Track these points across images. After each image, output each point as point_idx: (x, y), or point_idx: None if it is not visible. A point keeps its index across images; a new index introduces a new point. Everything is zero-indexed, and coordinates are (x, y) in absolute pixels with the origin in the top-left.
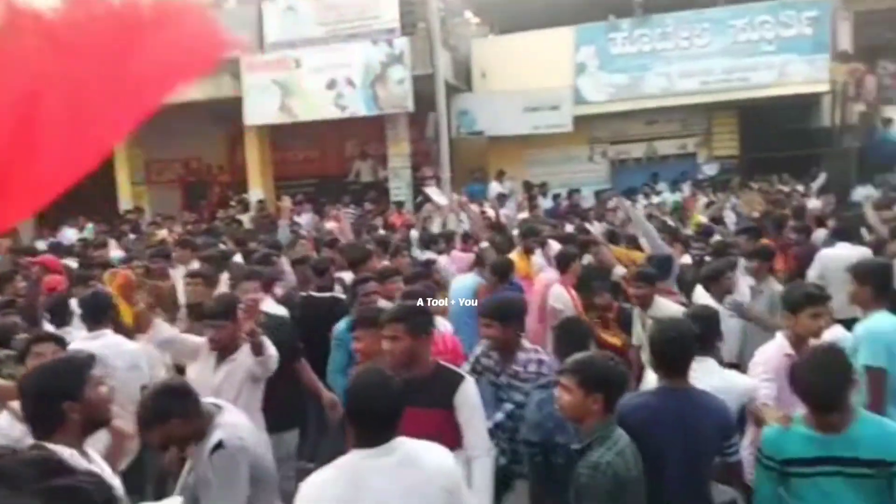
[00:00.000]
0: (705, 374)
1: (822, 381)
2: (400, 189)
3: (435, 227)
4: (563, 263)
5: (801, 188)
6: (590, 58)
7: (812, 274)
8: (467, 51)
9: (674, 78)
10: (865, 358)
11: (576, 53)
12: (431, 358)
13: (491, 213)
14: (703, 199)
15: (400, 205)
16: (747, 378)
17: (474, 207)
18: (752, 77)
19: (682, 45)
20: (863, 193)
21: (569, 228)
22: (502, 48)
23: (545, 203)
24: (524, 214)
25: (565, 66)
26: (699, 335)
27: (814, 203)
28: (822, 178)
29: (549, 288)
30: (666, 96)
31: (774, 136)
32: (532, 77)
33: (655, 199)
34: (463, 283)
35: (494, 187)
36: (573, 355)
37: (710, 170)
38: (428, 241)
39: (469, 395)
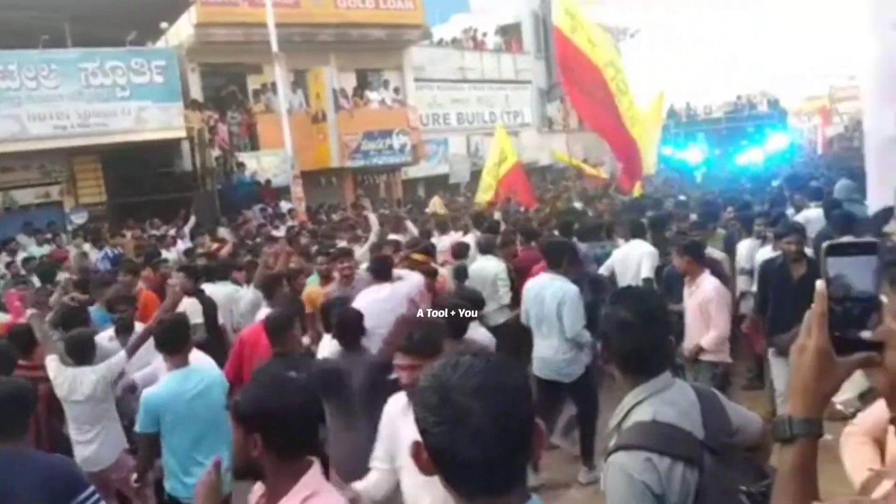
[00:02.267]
0: None
1: None
2: None
3: None
4: None
5: (172, 231)
6: None
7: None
8: None
9: (25, 121)
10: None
11: None
12: None
13: None
14: (74, 251)
15: None
16: None
17: None
18: (111, 122)
19: (29, 85)
20: (224, 232)
21: None
22: None
23: None
24: None
25: None
26: None
27: (185, 244)
28: (192, 220)
29: None
30: (18, 140)
31: (141, 181)
32: None
33: (22, 256)
34: None
35: None
36: None
37: (78, 218)
38: None
39: None
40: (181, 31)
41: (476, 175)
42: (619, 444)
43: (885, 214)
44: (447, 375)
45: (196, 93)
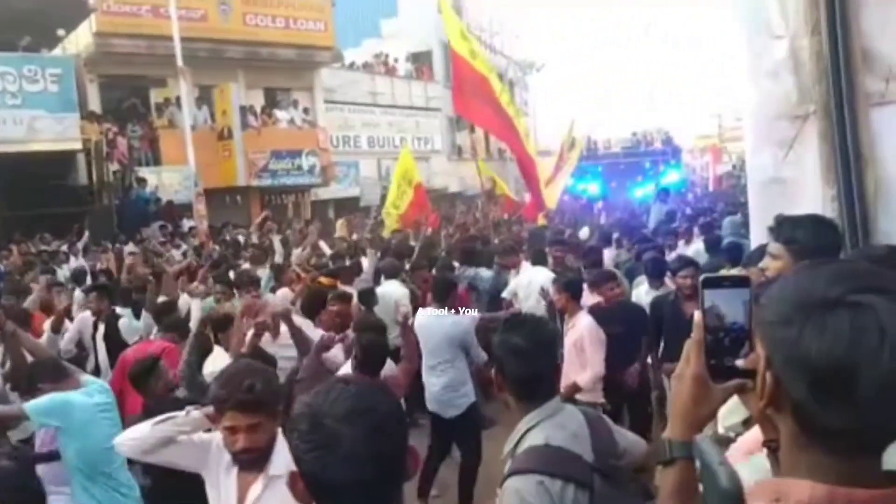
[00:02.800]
0: None
1: None
2: None
3: None
4: None
5: (65, 248)
6: None
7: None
8: None
9: None
10: None
11: None
12: None
13: None
14: None
15: None
16: None
17: None
18: (1, 131)
19: None
20: (128, 249)
21: None
22: None
23: None
24: None
25: None
26: None
27: (79, 261)
28: (86, 236)
29: None
30: None
31: (33, 194)
32: None
33: None
34: None
35: None
36: None
37: None
38: None
39: None
40: (80, 39)
41: (385, 199)
42: (513, 469)
43: (759, 252)
44: (319, 402)
45: (95, 104)
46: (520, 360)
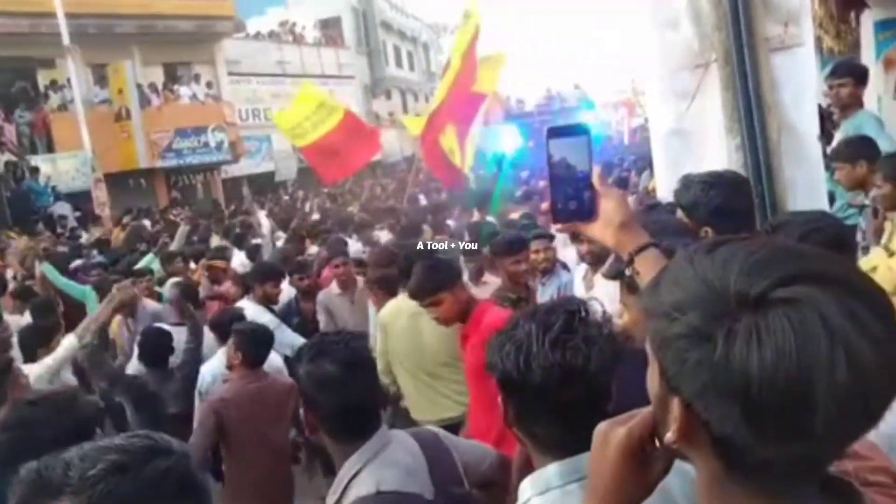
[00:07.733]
0: None
1: None
2: None
3: None
4: None
5: None
6: None
7: None
8: None
9: None
10: None
11: None
12: None
13: None
14: None
15: None
16: None
17: None
18: None
19: None
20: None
21: None
22: None
23: None
24: None
25: None
26: None
27: None
28: None
29: None
30: None
31: None
32: None
33: None
34: None
35: None
36: None
37: None
38: None
39: None
40: None
41: (302, 172)
42: None
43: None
44: None
45: None
46: (332, 391)
